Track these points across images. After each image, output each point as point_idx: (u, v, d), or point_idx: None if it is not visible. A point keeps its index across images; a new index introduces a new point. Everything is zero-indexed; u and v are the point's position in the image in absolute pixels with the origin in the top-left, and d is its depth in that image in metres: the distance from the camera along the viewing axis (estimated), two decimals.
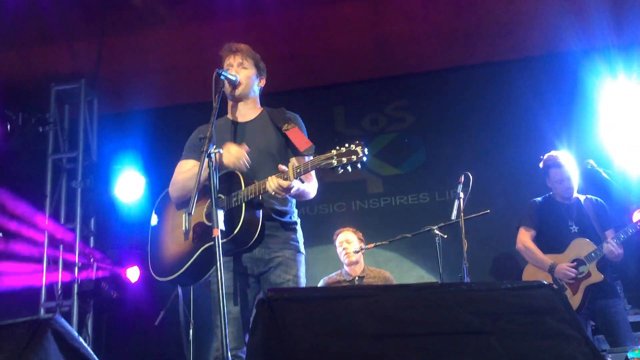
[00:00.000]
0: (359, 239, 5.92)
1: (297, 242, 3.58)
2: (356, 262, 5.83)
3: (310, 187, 3.53)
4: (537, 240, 5.28)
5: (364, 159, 3.05)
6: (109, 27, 6.67)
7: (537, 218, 5.28)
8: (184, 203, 3.59)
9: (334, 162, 3.04)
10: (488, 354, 1.95)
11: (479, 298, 2.15)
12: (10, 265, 6.70)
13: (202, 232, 3.42)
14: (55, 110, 7.41)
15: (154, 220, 3.77)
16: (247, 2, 6.33)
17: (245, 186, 3.28)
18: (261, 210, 3.36)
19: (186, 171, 3.59)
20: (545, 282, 2.29)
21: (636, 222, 4.92)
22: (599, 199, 5.24)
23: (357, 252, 5.71)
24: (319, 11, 6.70)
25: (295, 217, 3.63)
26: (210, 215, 3.35)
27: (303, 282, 3.52)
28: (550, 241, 5.19)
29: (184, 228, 3.52)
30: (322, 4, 6.65)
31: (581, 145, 5.50)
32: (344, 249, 5.82)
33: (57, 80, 7.40)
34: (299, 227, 3.63)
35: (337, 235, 5.99)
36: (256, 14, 6.55)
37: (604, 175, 5.07)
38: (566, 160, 5.17)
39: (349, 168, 3.06)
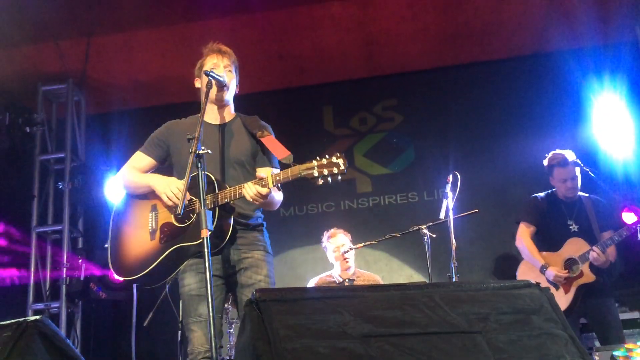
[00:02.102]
0: (350, 241, 5.92)
1: (265, 242, 3.56)
2: (350, 266, 5.82)
3: (277, 198, 3.54)
4: (536, 236, 5.28)
5: (346, 171, 3.06)
6: (96, 27, 6.63)
7: (538, 214, 5.26)
8: (145, 202, 3.59)
9: (315, 173, 3.04)
10: (475, 354, 1.96)
11: (466, 298, 2.16)
12: None
13: (171, 233, 3.41)
14: (43, 111, 7.37)
15: (116, 217, 3.72)
16: (235, 2, 6.32)
17: (218, 190, 3.28)
18: (232, 216, 3.35)
19: (139, 177, 3.62)
20: (533, 282, 2.30)
21: (631, 225, 4.91)
22: (599, 198, 5.23)
23: (346, 252, 5.70)
24: (307, 10, 6.69)
25: (261, 220, 3.63)
26: (180, 217, 3.35)
27: (274, 282, 3.51)
28: (549, 238, 5.19)
29: (149, 228, 3.51)
30: (311, 4, 6.63)
31: (568, 144, 5.52)
32: (342, 253, 5.78)
33: (44, 81, 7.36)
34: (265, 229, 3.63)
35: (331, 237, 5.93)
36: (245, 13, 6.54)
37: (590, 174, 5.09)
38: (571, 159, 5.16)
39: (330, 180, 3.06)
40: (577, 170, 5.13)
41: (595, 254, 4.82)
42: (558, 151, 5.24)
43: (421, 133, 7.57)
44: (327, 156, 3.08)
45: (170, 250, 3.36)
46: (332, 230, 5.98)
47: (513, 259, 6.10)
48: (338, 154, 3.08)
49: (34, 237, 7.06)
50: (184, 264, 3.42)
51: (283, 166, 3.34)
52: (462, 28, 6.96)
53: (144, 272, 3.41)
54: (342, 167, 3.05)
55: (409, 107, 7.73)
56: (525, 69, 7.30)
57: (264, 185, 3.19)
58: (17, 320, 2.58)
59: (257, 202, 3.26)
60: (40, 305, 6.84)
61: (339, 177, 3.07)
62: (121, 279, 3.54)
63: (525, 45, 7.26)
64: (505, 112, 7.24)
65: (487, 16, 6.79)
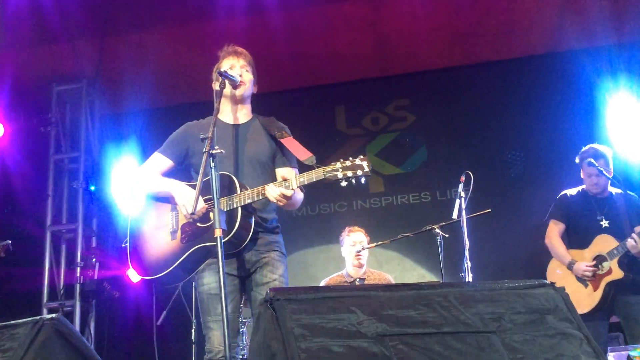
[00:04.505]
0: (367, 242, 5.89)
1: (281, 244, 3.59)
2: (363, 264, 5.82)
3: (299, 197, 3.56)
4: (566, 233, 5.25)
5: (370, 173, 3.11)
6: (110, 27, 6.67)
7: (567, 211, 5.23)
8: (165, 201, 3.60)
9: (340, 174, 3.09)
10: (490, 353, 1.96)
11: (480, 297, 2.16)
12: (13, 266, 6.69)
13: (192, 233, 3.42)
14: (57, 111, 7.42)
15: (135, 216, 3.73)
16: (248, 2, 6.33)
17: (240, 190, 3.30)
18: (254, 216, 3.37)
19: (159, 183, 3.60)
20: (548, 282, 2.29)
21: None
22: (634, 194, 5.16)
23: (359, 251, 5.70)
24: (320, 10, 6.71)
25: (276, 222, 3.65)
26: (202, 217, 3.36)
27: (287, 283, 3.53)
28: (579, 235, 5.15)
29: (171, 228, 3.53)
30: (323, 4, 6.65)
31: (582, 144, 5.49)
32: (357, 251, 5.76)
33: (58, 81, 7.41)
34: (280, 232, 3.65)
35: (351, 233, 5.90)
36: (257, 14, 6.56)
37: (604, 173, 5.05)
38: (606, 153, 5.09)
39: (354, 182, 3.11)
40: (605, 167, 5.08)
41: (632, 241, 4.76)
42: (593, 145, 5.19)
43: (433, 133, 7.56)
44: (350, 158, 3.12)
45: (192, 250, 3.38)
46: (355, 227, 5.95)
47: (526, 259, 6.09)
48: (362, 157, 3.14)
49: (48, 236, 7.11)
50: (204, 264, 3.44)
51: (304, 167, 3.35)
52: (474, 27, 6.94)
53: (166, 272, 3.43)
54: (367, 169, 3.11)
55: (421, 107, 7.71)
56: (538, 68, 7.26)
57: (288, 187, 3.21)
58: (34, 318, 2.61)
59: (280, 204, 3.28)
60: (54, 304, 6.88)
61: (363, 179, 3.12)
62: (142, 278, 3.56)
63: (538, 44, 7.22)
64: (518, 112, 7.21)
65: (500, 15, 6.77)
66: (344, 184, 3.12)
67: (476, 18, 6.81)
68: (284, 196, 3.21)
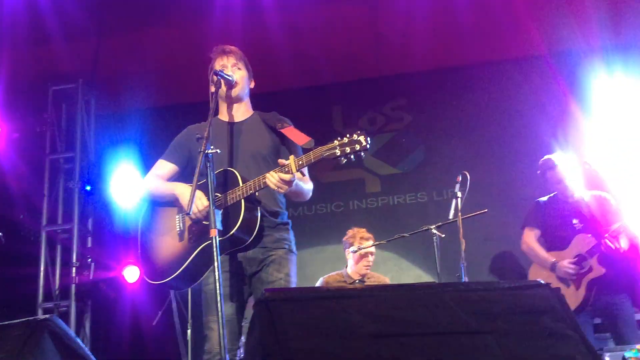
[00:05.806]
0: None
1: (290, 241, 3.57)
2: (369, 267, 5.81)
3: (307, 187, 3.53)
4: (542, 239, 5.30)
5: (368, 147, 3.06)
6: (106, 27, 6.65)
7: (541, 217, 5.31)
8: (171, 205, 3.59)
9: (337, 152, 3.05)
10: (485, 354, 1.95)
11: (476, 298, 2.15)
12: (7, 266, 6.68)
13: (199, 232, 3.40)
14: (53, 110, 7.40)
15: (144, 222, 3.73)
16: (245, 2, 6.32)
17: (242, 183, 3.27)
18: (259, 208, 3.34)
19: (163, 186, 3.61)
20: (543, 282, 2.29)
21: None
22: (603, 194, 5.24)
23: (355, 252, 5.69)
24: (317, 10, 6.69)
25: (287, 218, 3.62)
26: (207, 215, 3.35)
27: (294, 282, 3.51)
28: (555, 239, 5.21)
29: (178, 229, 3.51)
30: (321, 4, 6.64)
31: (578, 145, 5.51)
32: (369, 260, 5.74)
33: (54, 80, 7.39)
34: (290, 228, 3.62)
35: (364, 240, 5.84)
36: (254, 14, 6.55)
37: (602, 175, 5.08)
38: (560, 161, 5.21)
39: (352, 157, 3.07)
40: (569, 169, 5.18)
41: (606, 241, 4.81)
42: (546, 156, 5.34)
43: (430, 133, 7.56)
44: (348, 135, 3.08)
45: (199, 248, 3.35)
46: (365, 232, 5.87)
47: (522, 259, 6.09)
48: (359, 132, 3.09)
49: (44, 236, 7.08)
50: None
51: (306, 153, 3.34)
52: (472, 27, 6.93)
53: (176, 274, 3.41)
54: (364, 144, 3.05)
55: (418, 107, 7.71)
56: (536, 68, 7.26)
57: (288, 172, 3.17)
58: (27, 319, 2.59)
59: (281, 191, 3.23)
60: (49, 304, 6.86)
61: (362, 153, 3.07)
62: (153, 282, 3.52)
63: (536, 44, 7.21)
64: (515, 112, 7.20)
65: (497, 16, 6.76)
66: (343, 161, 3.08)
67: (474, 18, 6.80)
68: (284, 181, 3.16)
